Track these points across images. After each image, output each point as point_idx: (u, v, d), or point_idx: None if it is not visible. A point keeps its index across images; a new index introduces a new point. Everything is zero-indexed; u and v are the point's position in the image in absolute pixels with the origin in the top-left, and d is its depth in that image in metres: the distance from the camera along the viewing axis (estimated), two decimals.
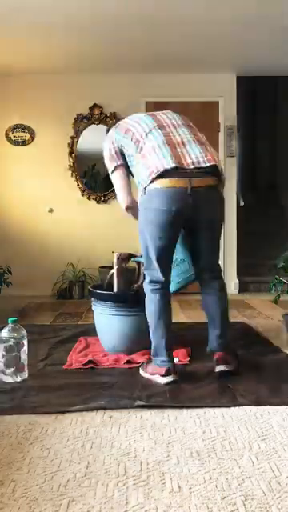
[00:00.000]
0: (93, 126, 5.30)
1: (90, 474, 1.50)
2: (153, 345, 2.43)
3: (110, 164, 2.67)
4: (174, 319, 3.23)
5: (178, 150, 2.45)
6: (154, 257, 2.40)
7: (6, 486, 1.43)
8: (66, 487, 1.43)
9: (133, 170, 2.65)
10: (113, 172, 2.67)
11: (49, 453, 1.65)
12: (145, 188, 2.43)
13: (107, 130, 2.82)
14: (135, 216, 2.63)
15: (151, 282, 2.45)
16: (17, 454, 1.64)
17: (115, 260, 2.81)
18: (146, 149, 2.47)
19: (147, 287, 2.46)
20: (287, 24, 4.00)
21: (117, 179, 2.68)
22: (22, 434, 1.80)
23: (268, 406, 2.03)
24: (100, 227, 5.32)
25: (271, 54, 4.78)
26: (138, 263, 2.85)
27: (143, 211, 2.46)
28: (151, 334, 2.44)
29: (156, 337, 2.41)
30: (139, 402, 2.06)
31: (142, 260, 2.56)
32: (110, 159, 2.65)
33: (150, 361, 2.48)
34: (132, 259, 2.89)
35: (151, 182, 2.38)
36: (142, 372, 2.45)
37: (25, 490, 1.41)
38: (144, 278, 2.62)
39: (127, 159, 2.64)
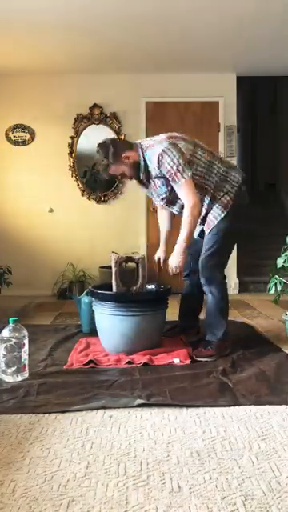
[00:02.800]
0: (93, 125, 5.31)
1: (90, 474, 1.50)
2: (223, 326, 2.81)
3: (180, 171, 2.60)
4: (174, 319, 3.23)
5: None
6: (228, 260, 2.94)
7: (5, 486, 1.43)
8: (65, 487, 1.43)
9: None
10: (184, 185, 2.63)
11: (49, 453, 1.65)
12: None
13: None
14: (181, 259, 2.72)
15: (224, 277, 2.91)
16: (17, 454, 1.64)
17: (113, 262, 2.80)
18: None
19: (222, 281, 2.89)
20: (287, 24, 4.00)
21: (192, 197, 2.66)
22: (22, 433, 1.80)
23: (268, 406, 2.03)
24: (100, 227, 5.32)
25: (271, 54, 4.78)
26: (137, 265, 2.84)
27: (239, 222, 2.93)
28: (221, 318, 2.83)
29: (226, 319, 2.86)
30: (140, 401, 2.06)
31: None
32: (181, 168, 2.61)
33: (206, 344, 2.78)
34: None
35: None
36: (199, 358, 2.71)
37: (25, 490, 1.41)
38: (144, 280, 2.76)
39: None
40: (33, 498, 1.37)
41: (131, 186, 5.33)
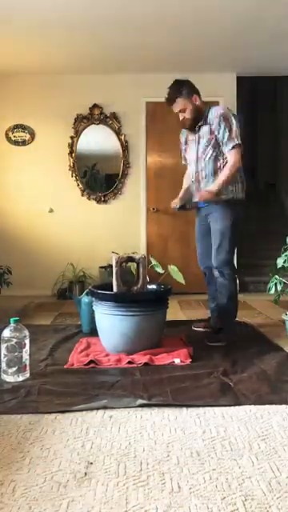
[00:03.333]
0: (93, 126, 5.30)
1: (90, 474, 1.50)
2: (230, 314, 3.13)
3: (235, 136, 2.98)
4: (174, 319, 3.24)
5: None
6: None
7: (5, 486, 1.43)
8: (65, 487, 1.43)
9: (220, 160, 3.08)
10: (236, 147, 2.99)
11: (49, 453, 1.65)
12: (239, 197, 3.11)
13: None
14: (210, 196, 3.02)
15: (233, 267, 3.16)
16: (17, 454, 1.64)
17: (114, 262, 2.81)
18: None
19: (232, 271, 3.12)
20: (287, 24, 4.00)
21: (239, 158, 3.01)
22: (22, 433, 1.80)
23: (268, 406, 2.04)
24: (100, 227, 5.32)
25: (271, 54, 4.78)
26: (138, 265, 2.85)
27: (239, 214, 3.13)
28: (229, 305, 3.09)
29: (235, 306, 3.15)
30: (141, 401, 2.06)
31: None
32: (237, 133, 2.99)
33: (219, 330, 3.07)
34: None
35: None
36: (212, 343, 2.98)
37: (25, 490, 1.41)
38: (144, 280, 2.80)
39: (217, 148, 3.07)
40: (33, 498, 1.37)
41: (131, 186, 5.34)
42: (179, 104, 3.07)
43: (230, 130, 2.97)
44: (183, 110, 3.09)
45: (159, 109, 5.33)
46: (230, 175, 2.99)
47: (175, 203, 3.29)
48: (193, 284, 5.15)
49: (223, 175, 2.99)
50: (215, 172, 3.07)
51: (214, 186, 3.01)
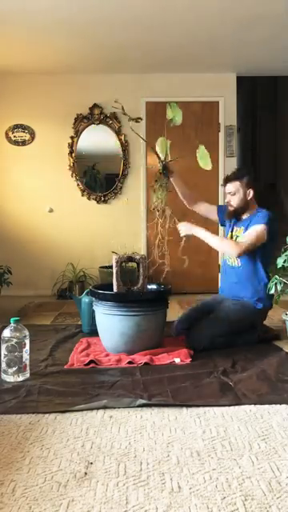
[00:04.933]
0: (93, 126, 5.30)
1: (90, 474, 1.50)
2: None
3: (250, 244, 2.96)
4: (175, 319, 3.24)
5: None
6: None
7: (5, 486, 1.43)
8: (65, 487, 1.43)
9: None
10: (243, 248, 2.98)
11: (49, 453, 1.65)
12: None
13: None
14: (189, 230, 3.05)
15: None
16: (17, 454, 1.64)
17: (114, 263, 2.81)
18: None
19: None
20: (287, 24, 4.00)
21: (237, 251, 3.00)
22: (22, 433, 1.80)
23: (268, 406, 2.04)
24: (100, 227, 5.32)
25: (271, 54, 4.78)
26: (139, 265, 2.85)
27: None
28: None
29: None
30: (142, 401, 2.06)
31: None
32: (254, 244, 2.99)
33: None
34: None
35: None
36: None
37: (25, 490, 1.41)
38: (145, 280, 2.82)
39: None
40: (33, 498, 1.37)
41: (131, 186, 5.34)
42: (233, 186, 3.09)
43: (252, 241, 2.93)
44: (233, 194, 3.10)
45: (159, 109, 5.33)
46: (224, 246, 3.05)
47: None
48: (193, 284, 5.17)
49: (218, 238, 3.06)
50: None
51: (201, 229, 3.01)
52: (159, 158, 3.11)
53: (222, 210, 3.32)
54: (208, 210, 3.37)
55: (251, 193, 3.08)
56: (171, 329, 3.12)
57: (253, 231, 2.94)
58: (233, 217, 3.16)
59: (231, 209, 3.12)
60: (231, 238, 3.15)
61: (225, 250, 3.02)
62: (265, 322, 3.35)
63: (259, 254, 3.00)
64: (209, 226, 3.17)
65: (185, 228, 3.01)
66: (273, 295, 3.05)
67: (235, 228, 3.18)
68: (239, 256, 2.96)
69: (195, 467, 1.54)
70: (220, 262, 3.34)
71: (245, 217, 3.12)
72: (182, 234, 3.02)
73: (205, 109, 5.35)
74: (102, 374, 2.46)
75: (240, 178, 3.08)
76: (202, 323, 2.99)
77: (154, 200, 3.05)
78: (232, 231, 3.21)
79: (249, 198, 3.09)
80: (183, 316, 3.21)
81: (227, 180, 3.12)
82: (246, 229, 3.04)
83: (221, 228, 3.54)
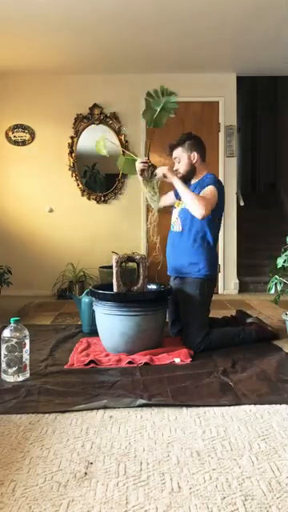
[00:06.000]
0: (93, 126, 5.31)
1: (90, 474, 1.50)
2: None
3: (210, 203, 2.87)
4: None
5: None
6: None
7: (5, 486, 1.43)
8: (65, 487, 1.43)
9: None
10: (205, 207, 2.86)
11: (49, 453, 1.65)
12: None
13: None
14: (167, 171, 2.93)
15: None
16: (17, 454, 1.64)
17: (114, 263, 2.81)
18: None
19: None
20: (287, 24, 4.00)
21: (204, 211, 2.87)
22: (22, 433, 1.80)
23: (268, 406, 2.04)
24: (100, 227, 5.32)
25: (271, 54, 4.78)
26: (138, 264, 2.85)
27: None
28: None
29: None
30: (142, 401, 2.06)
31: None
32: (212, 204, 2.89)
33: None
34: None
35: None
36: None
37: (25, 490, 1.41)
38: (145, 280, 2.81)
39: None
40: (33, 498, 1.37)
41: (131, 186, 5.34)
42: (177, 152, 3.04)
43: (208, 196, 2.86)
44: (178, 161, 3.04)
45: None
46: (194, 199, 2.81)
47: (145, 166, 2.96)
48: None
49: (189, 193, 2.85)
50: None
51: (179, 181, 2.88)
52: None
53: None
54: (168, 197, 3.25)
55: (195, 155, 3.01)
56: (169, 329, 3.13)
57: (207, 192, 2.87)
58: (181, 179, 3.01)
59: (179, 175, 3.00)
60: (179, 203, 3.08)
61: (194, 208, 2.80)
62: (265, 321, 3.35)
63: (205, 220, 2.91)
64: None
65: (161, 170, 2.88)
66: (217, 264, 3.01)
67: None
68: (203, 219, 2.84)
69: (195, 467, 1.54)
70: None
71: (193, 182, 3.04)
72: (157, 175, 2.88)
73: (205, 109, 5.35)
74: (101, 374, 2.46)
75: (181, 144, 3.01)
76: (183, 326, 2.97)
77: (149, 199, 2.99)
78: (179, 199, 3.11)
79: (194, 161, 3.01)
80: (169, 317, 3.15)
81: (171, 148, 3.06)
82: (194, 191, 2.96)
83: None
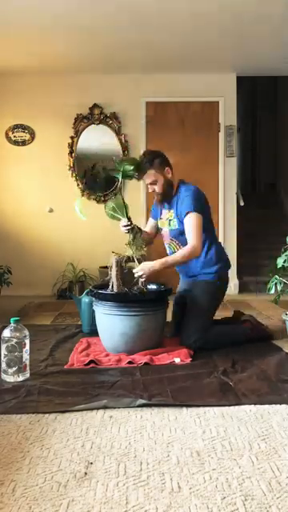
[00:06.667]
0: (93, 126, 5.31)
1: (90, 474, 1.50)
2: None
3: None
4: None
5: None
6: None
7: (5, 486, 1.43)
8: (65, 487, 1.43)
9: None
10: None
11: (49, 453, 1.65)
12: None
13: None
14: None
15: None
16: (17, 454, 1.64)
17: (114, 262, 2.80)
18: None
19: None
20: (287, 24, 4.00)
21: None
22: (22, 433, 1.80)
23: (268, 406, 2.04)
24: (100, 227, 5.31)
25: (271, 54, 4.78)
26: (139, 264, 2.84)
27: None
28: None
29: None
30: (142, 401, 2.06)
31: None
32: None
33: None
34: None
35: None
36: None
37: (25, 490, 1.41)
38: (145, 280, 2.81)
39: None
40: (33, 498, 1.37)
41: (131, 186, 5.34)
42: (149, 175, 2.96)
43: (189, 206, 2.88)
44: (154, 183, 2.99)
45: (159, 109, 5.34)
46: (184, 257, 2.84)
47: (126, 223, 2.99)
48: None
49: (177, 255, 2.86)
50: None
51: (159, 260, 2.84)
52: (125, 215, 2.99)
53: (154, 208, 3.26)
54: (150, 226, 3.29)
55: (169, 171, 2.99)
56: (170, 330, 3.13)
57: (191, 225, 2.85)
58: (164, 201, 3.06)
59: (159, 196, 3.02)
60: (166, 224, 3.06)
61: (189, 258, 2.87)
62: (264, 322, 3.35)
63: None
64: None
65: (144, 271, 2.80)
66: (226, 257, 3.06)
67: (163, 212, 3.10)
68: (202, 250, 2.90)
69: (195, 467, 1.54)
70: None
71: (172, 197, 3.02)
72: (141, 279, 2.81)
73: (205, 109, 5.35)
74: (101, 374, 2.46)
75: (151, 164, 2.94)
76: (183, 323, 2.96)
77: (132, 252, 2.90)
78: (161, 217, 3.12)
79: (169, 177, 3.00)
80: (173, 318, 3.15)
81: (140, 173, 2.95)
82: (176, 210, 2.96)
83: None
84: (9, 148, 5.29)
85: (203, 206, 2.97)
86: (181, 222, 2.95)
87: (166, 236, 3.14)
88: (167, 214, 3.07)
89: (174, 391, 2.20)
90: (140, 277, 2.80)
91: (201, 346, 2.85)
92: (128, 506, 1.33)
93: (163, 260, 2.85)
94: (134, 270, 2.82)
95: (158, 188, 3.00)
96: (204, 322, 2.92)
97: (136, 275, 2.81)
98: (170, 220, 3.05)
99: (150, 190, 3.07)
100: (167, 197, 3.02)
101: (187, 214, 2.89)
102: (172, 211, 3.03)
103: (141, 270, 2.80)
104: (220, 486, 1.43)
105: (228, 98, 5.34)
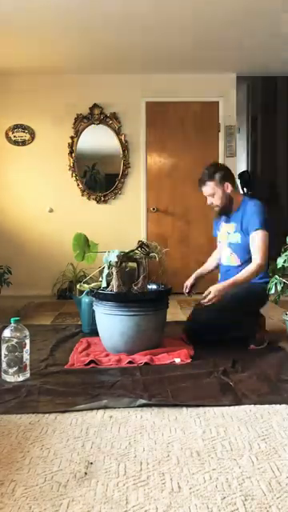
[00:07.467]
0: (93, 126, 5.30)
1: (90, 474, 1.50)
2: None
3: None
4: (174, 319, 3.24)
5: None
6: None
7: (5, 486, 1.43)
8: (65, 487, 1.43)
9: None
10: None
11: (49, 453, 1.65)
12: None
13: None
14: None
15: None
16: (17, 454, 1.64)
17: (113, 263, 2.80)
18: None
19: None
20: (287, 24, 4.00)
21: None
22: (22, 433, 1.80)
23: (268, 406, 2.04)
24: (100, 227, 5.31)
25: (271, 54, 4.78)
26: (139, 263, 2.84)
27: None
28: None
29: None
30: (142, 401, 2.06)
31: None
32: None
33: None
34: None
35: None
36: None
37: (25, 490, 1.41)
38: (144, 280, 2.81)
39: None
40: (33, 498, 1.37)
41: (131, 186, 5.34)
42: (209, 188, 3.05)
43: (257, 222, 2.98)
44: (212, 195, 3.07)
45: (159, 109, 5.34)
46: (251, 275, 2.90)
47: (188, 283, 3.18)
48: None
49: (245, 273, 2.90)
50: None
51: (228, 281, 2.89)
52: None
53: (216, 224, 3.31)
54: (218, 251, 3.32)
55: (229, 186, 3.05)
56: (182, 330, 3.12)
57: (258, 241, 2.93)
58: (222, 215, 3.14)
59: (217, 208, 3.10)
60: (224, 237, 3.12)
61: (254, 276, 2.92)
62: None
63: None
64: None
65: (216, 294, 2.82)
66: (267, 274, 3.04)
67: (223, 225, 3.16)
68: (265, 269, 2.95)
69: (195, 467, 1.54)
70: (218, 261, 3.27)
71: (234, 211, 3.10)
72: (212, 300, 2.82)
73: (205, 109, 5.35)
74: (102, 374, 2.47)
75: (212, 177, 3.04)
76: (206, 314, 2.94)
77: None
78: (219, 230, 3.19)
79: (229, 192, 3.06)
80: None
81: (201, 183, 3.08)
82: (241, 224, 3.01)
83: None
84: (9, 148, 5.29)
85: (268, 220, 3.04)
86: (244, 237, 3.01)
87: (224, 249, 3.17)
88: (226, 227, 3.13)
89: (174, 391, 2.20)
90: (210, 300, 2.81)
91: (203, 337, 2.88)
92: (128, 506, 1.33)
93: (231, 281, 2.87)
94: (204, 294, 2.85)
95: (215, 201, 3.07)
96: (225, 324, 2.89)
97: (207, 298, 2.81)
98: (229, 233, 3.10)
99: (208, 202, 3.13)
100: (225, 210, 3.09)
101: (256, 229, 2.95)
102: (233, 224, 3.08)
103: (213, 293, 2.81)
104: (220, 486, 1.43)
105: (228, 98, 5.34)
